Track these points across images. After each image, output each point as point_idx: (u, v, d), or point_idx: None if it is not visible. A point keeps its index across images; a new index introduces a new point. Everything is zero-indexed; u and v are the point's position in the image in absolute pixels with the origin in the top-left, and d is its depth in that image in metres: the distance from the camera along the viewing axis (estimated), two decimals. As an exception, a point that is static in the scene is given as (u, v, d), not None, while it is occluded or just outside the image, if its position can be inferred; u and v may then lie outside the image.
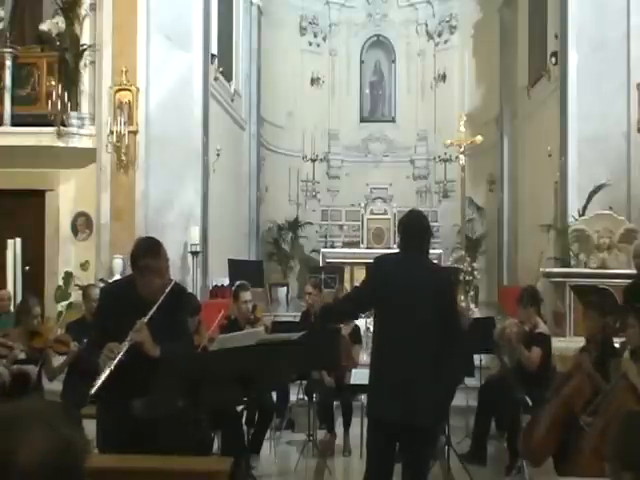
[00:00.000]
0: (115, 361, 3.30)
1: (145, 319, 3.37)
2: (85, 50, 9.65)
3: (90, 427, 3.41)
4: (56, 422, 1.21)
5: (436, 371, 3.74)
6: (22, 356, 5.26)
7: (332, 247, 14.61)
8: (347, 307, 4.31)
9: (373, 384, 3.90)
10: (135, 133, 9.53)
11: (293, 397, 7.19)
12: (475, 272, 11.72)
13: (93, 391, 3.34)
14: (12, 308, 7.04)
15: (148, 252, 3.44)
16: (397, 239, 4.14)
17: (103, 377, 3.29)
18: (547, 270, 9.16)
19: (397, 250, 4.09)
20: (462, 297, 10.93)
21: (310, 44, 16.37)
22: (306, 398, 6.62)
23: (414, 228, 3.95)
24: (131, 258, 3.51)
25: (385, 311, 3.88)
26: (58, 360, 5.68)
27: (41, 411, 1.22)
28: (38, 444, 1.16)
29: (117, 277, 8.80)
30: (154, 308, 3.39)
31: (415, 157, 16.44)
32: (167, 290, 3.44)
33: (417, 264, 3.92)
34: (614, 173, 9.26)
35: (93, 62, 9.71)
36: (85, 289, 6.81)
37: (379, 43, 16.80)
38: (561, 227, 9.58)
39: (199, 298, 8.21)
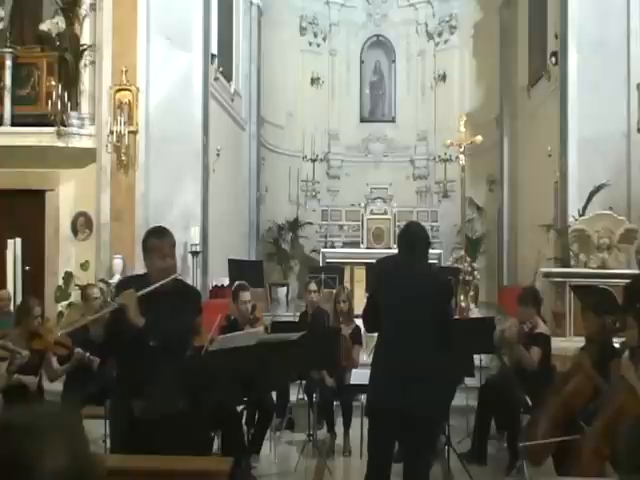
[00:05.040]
0: (96, 316, 3.56)
1: (139, 293, 3.42)
2: (85, 50, 9.66)
3: (90, 427, 3.41)
4: (79, 436, 1.20)
5: (434, 367, 3.81)
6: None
7: (332, 247, 14.57)
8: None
9: (373, 381, 3.94)
10: (135, 133, 9.54)
11: (293, 397, 7.18)
12: (475, 272, 11.70)
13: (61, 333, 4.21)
14: (12, 308, 7.04)
15: (154, 233, 3.68)
16: (397, 245, 4.20)
17: (77, 325, 3.75)
18: (547, 270, 9.15)
19: (396, 252, 4.15)
20: (462, 297, 10.92)
21: (310, 44, 16.36)
22: (306, 398, 6.62)
23: (412, 235, 4.06)
24: (142, 243, 3.65)
25: (385, 311, 3.93)
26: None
27: (66, 422, 1.20)
28: (63, 453, 1.14)
29: (117, 277, 8.81)
30: (152, 287, 3.44)
31: (415, 157, 16.43)
32: (172, 277, 3.51)
33: (416, 266, 3.97)
34: (614, 173, 9.26)
35: (93, 62, 9.72)
36: (84, 289, 6.80)
37: (379, 43, 16.80)
38: (561, 227, 9.58)
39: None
